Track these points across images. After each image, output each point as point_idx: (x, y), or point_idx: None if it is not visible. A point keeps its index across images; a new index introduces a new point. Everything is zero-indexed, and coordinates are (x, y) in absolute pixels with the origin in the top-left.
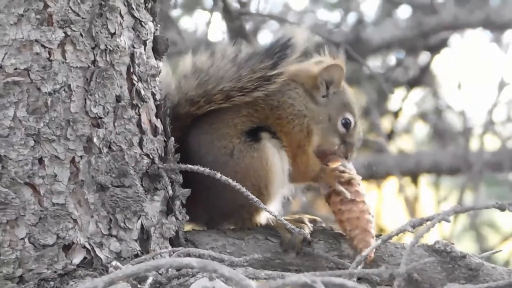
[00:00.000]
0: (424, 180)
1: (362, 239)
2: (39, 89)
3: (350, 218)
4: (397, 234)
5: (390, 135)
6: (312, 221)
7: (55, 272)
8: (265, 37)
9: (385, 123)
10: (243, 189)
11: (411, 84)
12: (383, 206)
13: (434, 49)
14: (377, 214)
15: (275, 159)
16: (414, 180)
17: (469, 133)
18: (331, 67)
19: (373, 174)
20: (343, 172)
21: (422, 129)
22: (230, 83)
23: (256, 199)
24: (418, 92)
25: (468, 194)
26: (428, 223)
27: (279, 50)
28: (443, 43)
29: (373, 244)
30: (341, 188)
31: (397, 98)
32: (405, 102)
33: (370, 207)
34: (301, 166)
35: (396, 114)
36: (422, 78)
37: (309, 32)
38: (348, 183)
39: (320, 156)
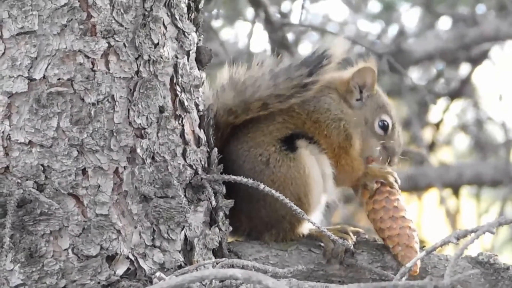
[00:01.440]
0: (466, 192)
1: (405, 256)
2: (82, 99)
3: (390, 235)
4: (441, 246)
5: (431, 147)
6: (355, 233)
7: (99, 283)
8: (306, 48)
9: (426, 135)
10: (286, 200)
11: (452, 95)
12: (424, 218)
13: (475, 61)
14: (417, 226)
15: (313, 166)
16: (456, 192)
17: (510, 144)
18: (362, 70)
19: (415, 186)
20: (388, 171)
21: (463, 141)
22: (267, 91)
23: (299, 209)
24: (459, 104)
25: (510, 206)
26: (473, 234)
27: (315, 60)
28: (484, 55)
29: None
30: (392, 179)
31: (438, 110)
32: (446, 113)
33: (411, 221)
34: (346, 168)
35: (437, 126)
36: (463, 90)
37: (347, 43)
38: (389, 193)
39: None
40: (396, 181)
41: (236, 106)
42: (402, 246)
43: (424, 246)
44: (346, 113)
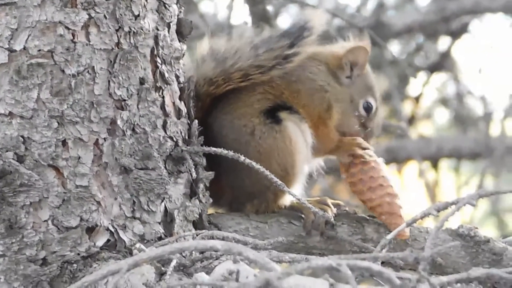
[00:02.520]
0: (445, 165)
1: (391, 223)
2: (63, 71)
3: (372, 207)
4: (421, 218)
5: (411, 120)
6: (335, 205)
7: (79, 254)
8: (285, 21)
9: (406, 109)
10: (267, 172)
11: (432, 69)
12: (404, 190)
13: (455, 34)
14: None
15: (298, 137)
16: (435, 165)
17: (490, 118)
18: (356, 49)
19: (394, 159)
20: (360, 142)
21: (443, 115)
22: (248, 61)
23: (280, 182)
24: (439, 77)
25: (489, 179)
26: (453, 207)
27: (296, 32)
28: (463, 28)
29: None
30: (361, 152)
31: (417, 83)
32: (426, 87)
33: (391, 186)
34: (322, 138)
35: (417, 99)
36: (442, 63)
37: (327, 16)
38: (363, 164)
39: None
40: (365, 150)
41: (217, 77)
42: (385, 215)
43: None
44: (333, 86)
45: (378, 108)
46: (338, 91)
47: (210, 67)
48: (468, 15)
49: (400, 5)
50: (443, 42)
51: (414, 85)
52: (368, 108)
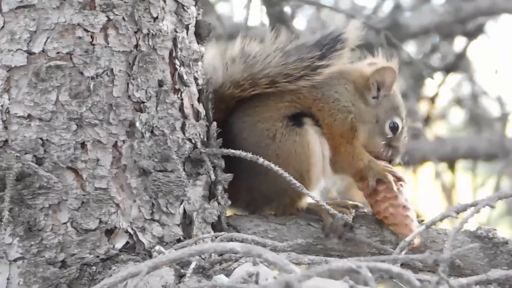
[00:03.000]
0: (461, 166)
1: (401, 234)
2: (81, 73)
3: (386, 216)
4: (441, 220)
5: (426, 121)
6: (354, 207)
7: (98, 256)
8: (300, 23)
9: (421, 109)
10: (286, 174)
11: (448, 69)
12: (419, 192)
13: (471, 35)
14: (412, 200)
15: (317, 144)
16: (451, 166)
17: (506, 118)
18: (384, 69)
19: (410, 160)
20: (392, 169)
21: (458, 115)
22: (276, 68)
23: (299, 184)
24: (454, 78)
25: (505, 180)
26: (472, 208)
27: (329, 43)
28: (479, 29)
29: (415, 231)
30: (391, 179)
31: (433, 84)
32: (441, 87)
33: (407, 200)
34: (347, 156)
35: (432, 100)
36: (458, 64)
37: (362, 28)
38: (387, 192)
39: None
40: (397, 179)
41: (244, 80)
42: (398, 226)
43: (422, 221)
44: (358, 107)
45: (404, 128)
46: (363, 111)
47: (239, 69)
48: (484, 16)
49: (416, 6)
50: (459, 43)
51: (430, 86)
52: (394, 128)
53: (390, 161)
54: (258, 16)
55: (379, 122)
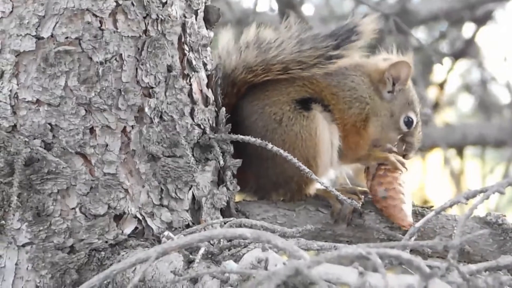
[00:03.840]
0: (470, 152)
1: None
2: (90, 58)
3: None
4: (450, 206)
5: (435, 107)
6: (363, 193)
7: (106, 242)
8: (308, 10)
9: (430, 95)
10: (294, 160)
11: (456, 56)
12: (428, 178)
13: (480, 21)
14: (421, 187)
15: (325, 131)
16: (460, 153)
17: None
18: (399, 64)
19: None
20: (390, 151)
21: (467, 102)
22: (290, 55)
23: (308, 169)
24: (463, 64)
25: None
26: (482, 195)
27: (344, 34)
28: (488, 15)
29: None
30: (392, 158)
31: (442, 70)
32: (450, 74)
33: (401, 185)
34: (351, 144)
35: (441, 86)
36: (467, 50)
37: (379, 22)
38: (389, 171)
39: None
40: (399, 161)
41: (257, 65)
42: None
43: (432, 207)
44: (374, 99)
45: (418, 123)
46: (378, 105)
47: (253, 55)
48: (493, 2)
49: None
50: (468, 29)
51: (439, 72)
52: (408, 123)
53: (404, 156)
54: (267, 2)
55: (393, 116)
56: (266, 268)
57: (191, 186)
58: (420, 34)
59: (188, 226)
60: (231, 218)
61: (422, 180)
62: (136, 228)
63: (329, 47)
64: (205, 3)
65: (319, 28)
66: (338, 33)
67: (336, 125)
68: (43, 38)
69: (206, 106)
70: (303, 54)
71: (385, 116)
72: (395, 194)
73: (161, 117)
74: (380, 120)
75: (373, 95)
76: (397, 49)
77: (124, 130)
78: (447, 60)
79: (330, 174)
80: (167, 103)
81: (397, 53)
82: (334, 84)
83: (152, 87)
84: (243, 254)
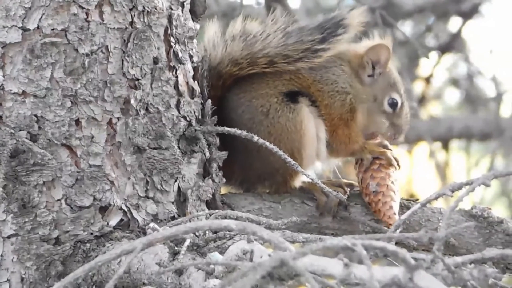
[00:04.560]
0: (455, 145)
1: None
2: (76, 50)
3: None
4: (436, 198)
5: (421, 101)
6: (348, 185)
7: (92, 234)
8: (294, 3)
9: (416, 89)
10: (280, 152)
11: (442, 49)
12: (414, 171)
13: (466, 15)
14: (408, 180)
15: (310, 124)
16: (445, 146)
17: (501, 98)
18: (377, 47)
19: (405, 139)
20: (386, 147)
21: (453, 95)
22: (276, 49)
23: (294, 162)
24: (449, 58)
25: (500, 160)
26: (467, 187)
27: (330, 27)
28: (475, 9)
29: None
30: (388, 154)
31: (428, 64)
32: (436, 68)
33: (393, 183)
34: (343, 138)
35: (427, 80)
36: (453, 44)
37: (365, 15)
38: (382, 166)
39: (368, 138)
40: (394, 158)
41: (243, 59)
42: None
43: (417, 200)
44: (355, 87)
45: (404, 103)
46: (360, 91)
47: (238, 48)
48: None
49: None
50: (454, 23)
51: (425, 66)
52: (393, 104)
53: (394, 139)
54: None
55: (377, 100)
56: (251, 260)
57: (177, 178)
58: (405, 28)
59: (173, 218)
60: (217, 210)
61: (409, 174)
62: (121, 220)
63: (315, 40)
64: None
65: (305, 21)
66: (325, 26)
67: (323, 120)
68: (29, 29)
69: (192, 98)
70: (289, 47)
71: (369, 101)
72: (386, 190)
73: (147, 109)
74: (365, 107)
75: (354, 82)
76: (380, 37)
77: (110, 122)
78: (433, 54)
79: (317, 167)
80: (153, 95)
81: (378, 39)
82: (318, 79)
83: (138, 79)
84: (228, 246)
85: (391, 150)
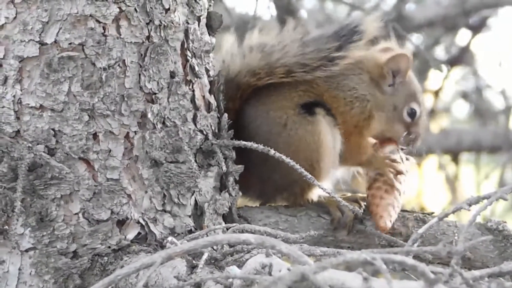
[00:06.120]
0: (465, 158)
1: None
2: (93, 64)
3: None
4: (453, 212)
5: (431, 114)
6: (363, 199)
7: (109, 247)
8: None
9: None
10: (297, 166)
11: (451, 63)
12: (423, 184)
13: (475, 28)
14: (417, 193)
15: (328, 135)
16: (455, 158)
17: (510, 111)
18: (398, 57)
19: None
20: (394, 161)
21: (462, 108)
22: (293, 58)
23: (310, 175)
24: (458, 71)
25: (509, 173)
26: (485, 201)
27: (346, 34)
28: (483, 22)
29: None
30: (390, 175)
31: (437, 77)
32: (445, 81)
33: (400, 195)
34: (354, 147)
35: (436, 93)
36: (462, 57)
37: (380, 21)
38: (385, 190)
39: (383, 142)
40: (397, 173)
41: (260, 69)
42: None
43: (433, 213)
44: (374, 95)
45: (422, 112)
46: (380, 100)
47: (256, 58)
48: (488, 9)
49: None
50: (463, 36)
51: (434, 79)
52: (412, 114)
53: (408, 146)
54: (266, 9)
55: (396, 109)
56: (270, 274)
57: (194, 191)
58: (414, 40)
59: (190, 231)
60: (234, 224)
61: (418, 187)
62: (139, 233)
63: (331, 48)
64: (208, 9)
65: (322, 29)
66: (341, 33)
67: (338, 129)
68: (46, 44)
69: (209, 112)
70: (306, 56)
71: (388, 110)
72: (388, 195)
73: (163, 123)
74: (383, 115)
75: (374, 91)
76: (395, 39)
77: (127, 136)
78: (442, 67)
79: (332, 180)
80: (170, 109)
81: (394, 43)
82: (334, 87)
83: (155, 93)
84: (246, 259)
85: (398, 163)
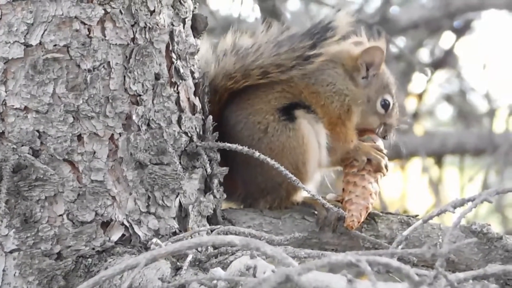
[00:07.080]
0: (449, 161)
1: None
2: (78, 65)
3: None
4: (438, 215)
5: (414, 117)
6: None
7: (93, 249)
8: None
9: (409, 105)
10: (281, 168)
11: (435, 65)
12: (407, 187)
13: (459, 31)
14: (401, 195)
15: (311, 136)
16: (439, 161)
17: (494, 114)
18: (372, 49)
19: (398, 155)
20: (380, 150)
21: (446, 111)
22: (268, 59)
23: (294, 177)
24: (442, 74)
25: (492, 175)
26: (470, 203)
27: (319, 32)
28: (467, 25)
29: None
30: (379, 158)
31: (420, 80)
32: (429, 83)
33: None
34: (340, 136)
35: (420, 96)
36: (446, 60)
37: (352, 16)
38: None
39: (361, 133)
40: (386, 165)
41: (236, 72)
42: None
43: (417, 216)
44: (351, 90)
45: (395, 104)
46: (355, 93)
47: (231, 62)
48: (473, 11)
49: (405, 1)
50: (447, 39)
51: (418, 82)
52: (385, 106)
53: (384, 137)
54: (251, 12)
55: (370, 101)
56: (254, 275)
57: (178, 193)
58: (398, 43)
59: (175, 233)
60: (218, 226)
61: (402, 189)
62: (123, 235)
63: (305, 47)
64: (193, 11)
65: (295, 28)
66: (314, 31)
67: (322, 123)
68: (31, 45)
69: (193, 114)
70: (281, 56)
71: (363, 102)
72: (361, 193)
73: (148, 124)
74: (359, 108)
75: (349, 84)
76: (366, 33)
77: (111, 138)
78: (426, 70)
79: (318, 180)
80: (155, 111)
81: (366, 36)
82: (312, 83)
83: (139, 95)
84: (231, 261)
85: (384, 154)
